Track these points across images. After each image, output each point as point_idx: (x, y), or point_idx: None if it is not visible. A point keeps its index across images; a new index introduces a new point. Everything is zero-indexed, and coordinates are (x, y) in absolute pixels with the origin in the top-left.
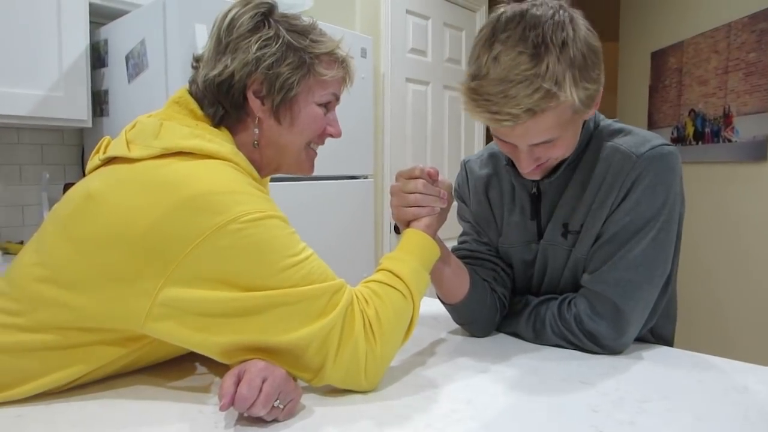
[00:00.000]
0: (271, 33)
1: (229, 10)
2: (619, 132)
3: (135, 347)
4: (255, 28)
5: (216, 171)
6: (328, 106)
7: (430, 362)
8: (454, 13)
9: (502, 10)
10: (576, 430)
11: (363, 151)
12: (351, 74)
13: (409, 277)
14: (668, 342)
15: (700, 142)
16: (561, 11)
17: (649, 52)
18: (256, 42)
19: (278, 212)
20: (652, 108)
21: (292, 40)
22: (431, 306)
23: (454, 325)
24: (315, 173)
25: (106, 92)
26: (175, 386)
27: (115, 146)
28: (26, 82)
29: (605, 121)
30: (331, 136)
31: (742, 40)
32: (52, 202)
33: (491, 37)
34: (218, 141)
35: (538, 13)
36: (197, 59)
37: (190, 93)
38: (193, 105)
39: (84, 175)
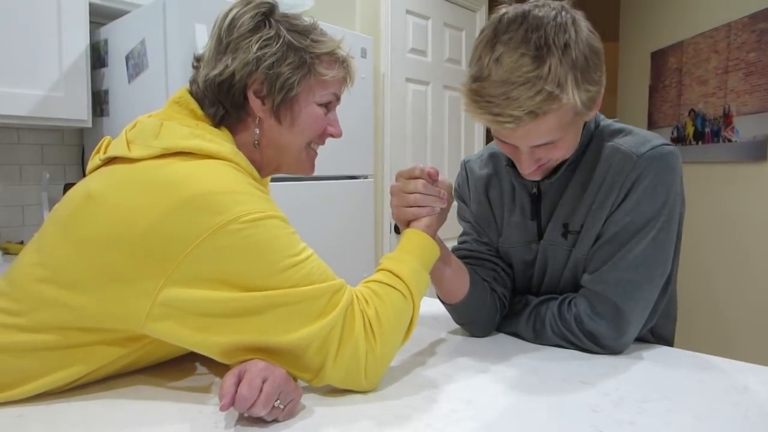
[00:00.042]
0: (272, 33)
1: (230, 10)
2: (619, 132)
3: (135, 347)
4: (256, 28)
5: (216, 171)
6: (328, 106)
7: (430, 362)
8: (454, 13)
9: (503, 11)
10: (576, 430)
11: (363, 151)
12: (352, 74)
13: (409, 277)
14: (668, 342)
15: (700, 142)
16: (563, 12)
17: (649, 52)
18: (257, 42)
19: (278, 212)
20: (652, 108)
21: (292, 40)
22: (431, 306)
23: (454, 325)
24: (315, 173)
25: (106, 92)
26: (175, 386)
27: (116, 146)
28: (26, 82)
29: (605, 121)
30: (332, 136)
31: (742, 40)
32: (52, 202)
33: (493, 38)
34: (218, 141)
35: (540, 14)
36: (198, 59)
37: (191, 93)
38: (194, 105)
39: (84, 175)
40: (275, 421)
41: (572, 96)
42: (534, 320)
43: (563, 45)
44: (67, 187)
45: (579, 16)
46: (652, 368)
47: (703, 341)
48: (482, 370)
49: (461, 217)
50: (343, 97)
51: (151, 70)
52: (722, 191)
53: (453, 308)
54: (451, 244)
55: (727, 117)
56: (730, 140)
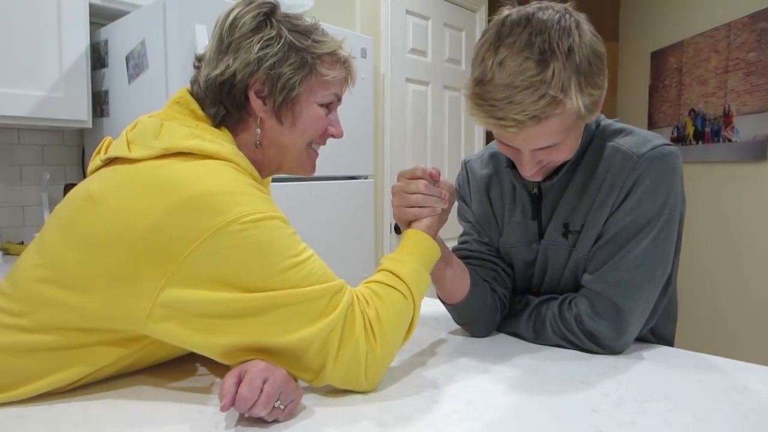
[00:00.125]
0: (273, 33)
1: (232, 10)
2: (620, 132)
3: (136, 348)
4: (257, 28)
5: (216, 171)
6: (329, 106)
7: (430, 363)
8: (454, 13)
9: (507, 13)
10: (576, 430)
11: (363, 152)
12: (353, 74)
13: (409, 278)
14: (669, 342)
15: (700, 142)
16: (567, 16)
17: (648, 51)
18: (258, 42)
19: (279, 213)
20: (652, 108)
21: (294, 40)
22: (432, 306)
23: (455, 326)
24: (315, 173)
25: (106, 93)
26: (176, 387)
27: (116, 147)
28: (26, 82)
29: (606, 121)
30: (333, 136)
31: (742, 40)
32: (52, 203)
33: (496, 40)
34: (218, 141)
35: (544, 17)
36: (199, 59)
37: (192, 93)
38: (194, 105)
39: (85, 175)
40: (276, 421)
41: (575, 100)
42: (534, 320)
43: (567, 49)
44: (68, 187)
45: (582, 19)
46: (653, 368)
47: (703, 341)
48: (483, 370)
49: (462, 217)
50: (343, 98)
51: (151, 70)
52: (722, 191)
53: (453, 308)
54: (451, 245)
55: (727, 117)
56: (730, 140)
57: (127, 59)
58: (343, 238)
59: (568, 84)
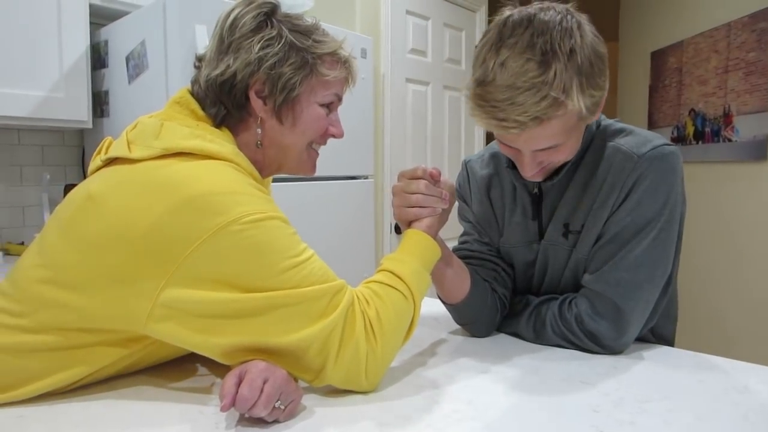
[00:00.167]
0: (274, 33)
1: (232, 10)
2: (620, 132)
3: (136, 348)
4: (258, 28)
5: (216, 171)
6: (330, 106)
7: (430, 363)
8: (454, 13)
9: (508, 13)
10: (577, 430)
11: (363, 152)
12: (353, 75)
13: (410, 278)
14: (669, 342)
15: (700, 142)
16: (569, 16)
17: (648, 51)
18: (259, 42)
19: (279, 213)
20: (652, 108)
21: (294, 40)
22: (432, 306)
23: (455, 326)
24: (315, 173)
25: (106, 93)
26: (176, 387)
27: (117, 147)
28: (27, 83)
29: (606, 121)
30: (334, 136)
31: (742, 40)
32: (52, 203)
33: (498, 41)
34: (219, 141)
35: (546, 18)
36: (200, 59)
37: (192, 93)
38: (194, 105)
39: (85, 175)
40: (276, 421)
41: (577, 102)
42: (534, 320)
43: (569, 50)
44: (68, 188)
45: (584, 20)
46: (653, 368)
47: (703, 341)
48: (483, 370)
49: (462, 217)
50: (343, 98)
51: (151, 70)
52: (722, 191)
53: (454, 308)
54: (451, 245)
55: (727, 117)
56: (730, 140)
57: (127, 59)
58: (343, 238)
59: (569, 85)
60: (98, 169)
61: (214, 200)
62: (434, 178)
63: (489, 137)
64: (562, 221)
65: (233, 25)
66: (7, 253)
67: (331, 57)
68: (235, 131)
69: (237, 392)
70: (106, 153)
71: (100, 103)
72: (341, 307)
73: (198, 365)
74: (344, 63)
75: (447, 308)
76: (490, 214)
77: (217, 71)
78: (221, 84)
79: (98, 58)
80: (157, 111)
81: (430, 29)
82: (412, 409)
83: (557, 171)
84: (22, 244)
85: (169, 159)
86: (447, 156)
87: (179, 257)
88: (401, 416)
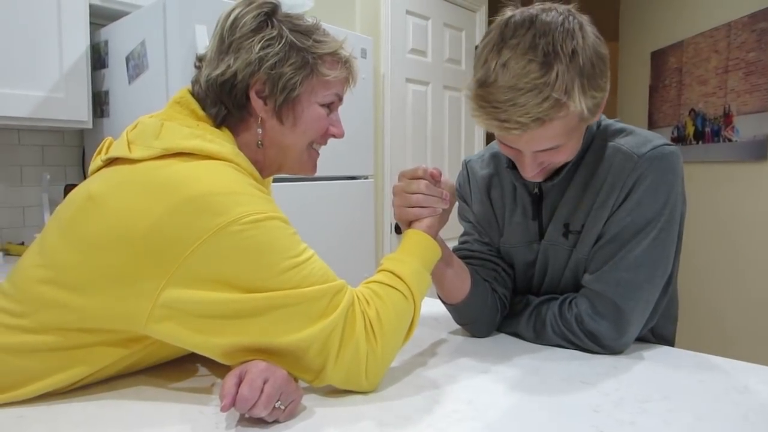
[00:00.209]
0: (274, 33)
1: (233, 10)
2: (620, 132)
3: (137, 348)
4: (258, 28)
5: (216, 172)
6: (330, 106)
7: (431, 363)
8: (454, 13)
9: (510, 14)
10: (577, 430)
11: (363, 152)
12: (354, 75)
13: (410, 278)
14: (669, 342)
15: (700, 142)
16: (570, 17)
17: (649, 51)
18: (259, 42)
19: (279, 213)
20: (652, 108)
21: (295, 40)
22: (432, 306)
23: (455, 326)
24: (316, 173)
25: (106, 93)
26: (176, 387)
27: (117, 147)
28: (27, 83)
29: (607, 122)
30: (334, 136)
31: (742, 40)
32: (52, 204)
33: (500, 42)
34: (219, 141)
35: (547, 19)
36: (200, 59)
37: (193, 93)
38: (195, 105)
39: (85, 176)
40: (276, 421)
41: (579, 103)
42: (535, 320)
43: (571, 52)
44: (68, 188)
45: (585, 20)
46: (653, 368)
47: (703, 341)
48: (483, 370)
49: (462, 217)
50: (344, 98)
51: (151, 71)
52: (722, 191)
53: (454, 308)
54: (451, 245)
55: (727, 116)
56: (730, 140)
57: (127, 60)
58: (343, 239)
59: (571, 86)
60: (99, 169)
61: (214, 200)
62: (435, 178)
63: (489, 137)
64: (562, 221)
65: (234, 25)
66: (7, 253)
67: (332, 57)
68: (235, 131)
69: (237, 392)
70: (106, 153)
71: (100, 103)
72: (341, 308)
73: (198, 365)
74: (345, 63)
75: (447, 308)
76: (491, 214)
77: (218, 71)
78: (222, 84)
79: (98, 59)
80: (158, 111)
81: (430, 29)
82: (413, 409)
83: (558, 171)
84: (23, 244)
85: (170, 159)
86: (447, 156)
87: (179, 257)
88: (401, 416)
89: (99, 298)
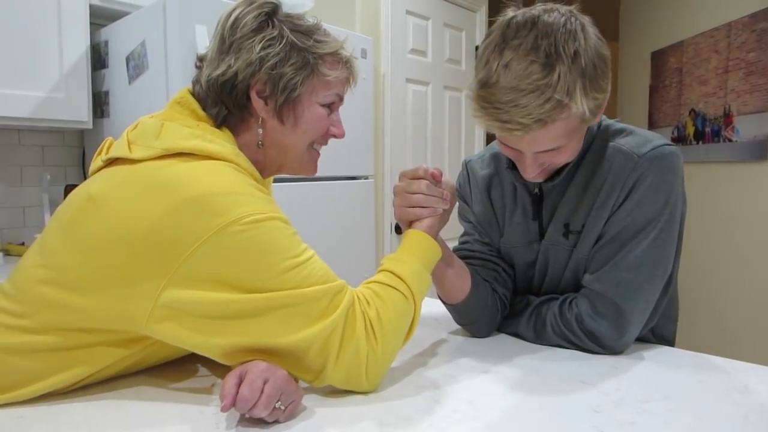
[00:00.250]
0: (275, 33)
1: (233, 10)
2: (621, 132)
3: (137, 348)
4: (259, 28)
5: (216, 172)
6: (331, 106)
7: (431, 363)
8: (454, 13)
9: (511, 14)
10: (577, 430)
11: (363, 152)
12: (355, 75)
13: (410, 278)
14: (669, 342)
15: (700, 142)
16: (572, 19)
17: (649, 51)
18: (260, 42)
19: (279, 213)
20: (652, 108)
21: (296, 40)
22: (432, 307)
23: (455, 326)
24: (316, 174)
25: (106, 93)
26: (176, 387)
27: (117, 147)
28: (27, 83)
29: (607, 122)
30: (335, 136)
31: (742, 40)
32: (53, 204)
33: (501, 42)
34: (219, 141)
35: (550, 20)
36: (201, 59)
37: (193, 93)
38: (195, 105)
39: (85, 176)
40: (276, 422)
41: (581, 105)
42: (535, 320)
43: (573, 53)
44: (68, 188)
45: (587, 22)
46: (653, 368)
47: (704, 341)
48: (483, 370)
49: (462, 217)
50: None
51: (151, 71)
52: (723, 191)
53: (454, 309)
54: (452, 245)
55: (727, 117)
56: (730, 140)
57: (128, 60)
58: (343, 239)
59: (573, 88)
60: (99, 169)
61: (214, 201)
62: (435, 179)
63: (489, 137)
64: (562, 221)
65: (234, 25)
66: (7, 253)
67: (333, 57)
68: (236, 131)
69: (237, 392)
70: (107, 153)
71: (100, 103)
72: (342, 308)
73: (198, 366)
74: (345, 63)
75: (447, 308)
76: (491, 215)
77: (219, 71)
78: (222, 84)
79: (98, 59)
80: (158, 111)
81: (431, 29)
82: (413, 410)
83: (558, 172)
84: (23, 244)
85: (170, 159)
86: (447, 156)
87: (179, 258)
88: (402, 416)
89: (99, 298)
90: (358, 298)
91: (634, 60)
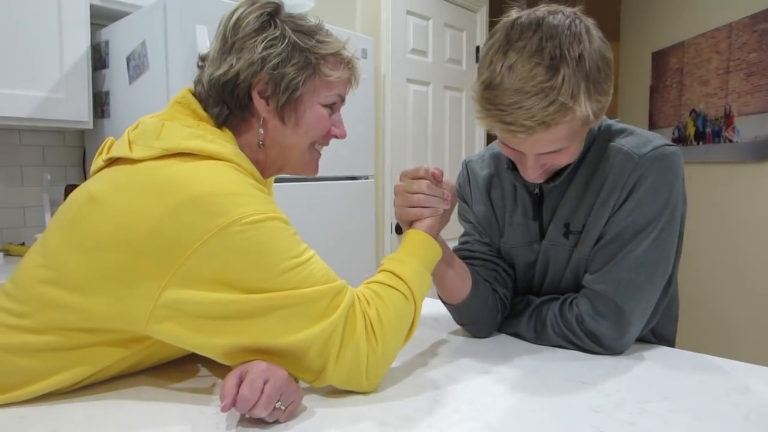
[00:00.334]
0: (277, 33)
1: (235, 10)
2: (621, 132)
3: (138, 348)
4: (261, 28)
5: (217, 172)
6: (333, 107)
7: (431, 363)
8: (454, 13)
9: (515, 15)
10: (577, 430)
11: (364, 152)
12: (357, 75)
13: (410, 278)
14: (669, 342)
15: (701, 143)
16: (577, 21)
17: (650, 52)
18: (262, 42)
19: (279, 213)
20: (653, 108)
21: (297, 41)
22: (432, 307)
23: (456, 326)
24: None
25: (107, 93)
26: (177, 387)
27: (118, 147)
28: (27, 83)
29: (608, 122)
30: (336, 137)
31: (743, 41)
32: (53, 204)
33: (506, 44)
34: (219, 141)
35: (554, 22)
36: (203, 58)
37: (195, 93)
38: (196, 105)
39: (86, 176)
40: (276, 422)
41: (584, 107)
42: (535, 321)
43: (577, 56)
44: (69, 188)
45: (591, 24)
46: (653, 369)
47: (704, 341)
48: (484, 370)
49: (463, 217)
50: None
51: (151, 71)
52: (723, 191)
53: (454, 309)
54: (452, 245)
55: (728, 117)
56: (731, 140)
57: (128, 60)
58: (343, 239)
59: (577, 91)
60: (100, 169)
61: (215, 201)
62: (436, 179)
63: (490, 137)
64: (562, 221)
65: (236, 24)
66: (7, 253)
67: (334, 57)
68: (237, 131)
69: (238, 393)
70: (107, 153)
71: (100, 103)
72: (342, 308)
73: (199, 366)
74: (347, 63)
75: (448, 309)
76: (491, 215)
77: (220, 71)
78: (224, 84)
79: (99, 59)
80: (159, 111)
81: (431, 29)
82: (413, 410)
83: (559, 173)
84: (23, 244)
85: (170, 159)
86: (448, 156)
87: (180, 258)
88: (402, 417)
89: (100, 298)
90: (359, 298)
91: (635, 60)
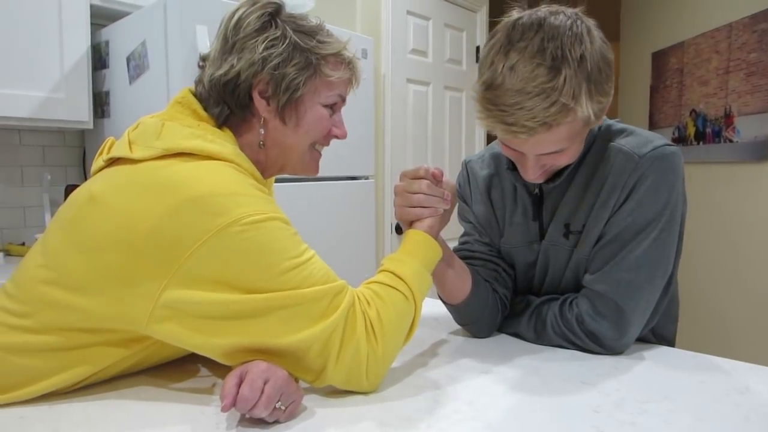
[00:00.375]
0: (278, 33)
1: (236, 10)
2: (621, 132)
3: (138, 348)
4: (262, 28)
5: (217, 172)
6: (333, 107)
7: (431, 363)
8: (454, 13)
9: (517, 15)
10: (577, 430)
11: (364, 152)
12: (357, 76)
13: (410, 279)
14: (670, 342)
15: (701, 143)
16: (578, 22)
17: (650, 52)
18: (263, 42)
19: (279, 213)
20: (653, 108)
21: (298, 41)
22: (432, 307)
23: (456, 326)
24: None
25: (107, 93)
26: (177, 387)
27: (118, 147)
28: (27, 83)
29: (608, 122)
30: (337, 137)
31: (743, 41)
32: (53, 204)
33: (507, 44)
34: (220, 141)
35: (556, 23)
36: (204, 58)
37: (196, 93)
38: (196, 105)
39: (86, 176)
40: (276, 422)
41: (585, 108)
42: (535, 321)
43: (579, 57)
44: (69, 188)
45: (592, 25)
46: (653, 369)
47: (704, 341)
48: (484, 370)
49: (462, 217)
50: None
51: (152, 71)
52: (723, 191)
53: (455, 309)
54: (452, 245)
55: (728, 117)
56: (731, 140)
57: (128, 60)
58: (343, 239)
59: (579, 92)
60: (100, 169)
61: (215, 201)
62: (436, 179)
63: (490, 137)
64: (562, 221)
65: (237, 25)
66: (7, 253)
67: (335, 58)
68: (237, 131)
69: (238, 393)
70: (108, 153)
71: (100, 103)
72: (342, 308)
73: (199, 366)
74: (348, 64)
75: (448, 309)
76: (491, 215)
77: (221, 71)
78: (225, 84)
79: (99, 59)
80: (159, 111)
81: (431, 29)
82: (413, 410)
83: (559, 173)
84: (23, 244)
85: (170, 159)
86: (448, 156)
87: (180, 258)
88: (402, 417)
89: (100, 298)
90: (359, 298)
91: (635, 60)
